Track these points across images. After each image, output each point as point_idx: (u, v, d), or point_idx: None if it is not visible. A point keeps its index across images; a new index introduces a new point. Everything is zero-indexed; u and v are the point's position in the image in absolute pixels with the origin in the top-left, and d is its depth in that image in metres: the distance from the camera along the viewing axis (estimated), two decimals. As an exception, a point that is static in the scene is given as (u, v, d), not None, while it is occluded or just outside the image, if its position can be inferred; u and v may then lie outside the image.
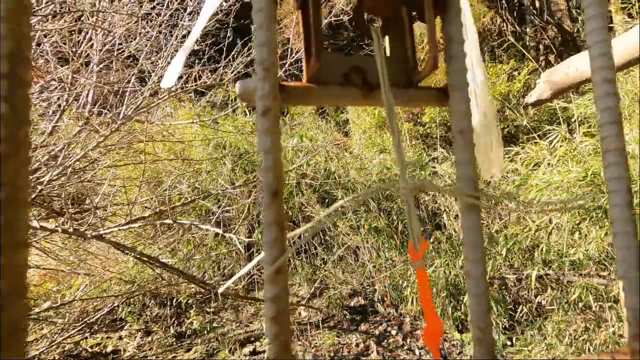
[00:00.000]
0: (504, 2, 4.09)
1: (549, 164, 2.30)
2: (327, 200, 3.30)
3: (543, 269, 2.12)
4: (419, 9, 0.19)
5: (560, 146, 2.28)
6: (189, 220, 2.16)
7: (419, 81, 0.21)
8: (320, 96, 0.19)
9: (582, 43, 3.73)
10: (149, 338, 2.69)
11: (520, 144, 2.85)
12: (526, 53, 3.51)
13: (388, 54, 0.21)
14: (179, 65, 0.33)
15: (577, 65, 1.22)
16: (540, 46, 3.96)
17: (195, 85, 2.42)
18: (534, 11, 4.27)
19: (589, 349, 1.72)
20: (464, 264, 0.19)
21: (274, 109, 0.17)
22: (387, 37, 0.21)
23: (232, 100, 3.25)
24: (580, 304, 1.89)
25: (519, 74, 3.63)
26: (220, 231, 1.41)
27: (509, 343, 2.02)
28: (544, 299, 2.06)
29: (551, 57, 3.90)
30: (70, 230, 1.34)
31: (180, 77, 2.44)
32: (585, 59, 1.24)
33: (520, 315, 2.13)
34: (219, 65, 2.62)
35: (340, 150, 3.79)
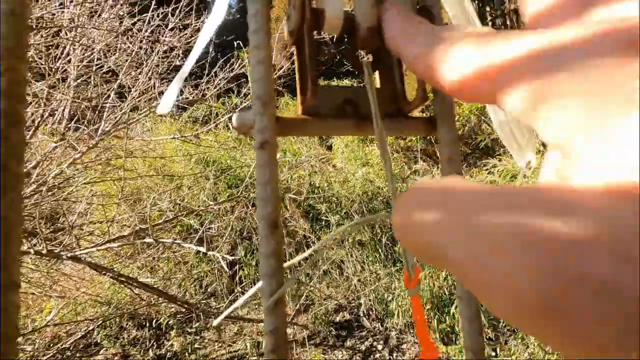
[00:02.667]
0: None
1: (524, 175, 2.38)
2: (311, 215, 3.29)
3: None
4: None
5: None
6: (170, 238, 2.11)
7: (409, 111, 0.22)
8: (315, 128, 0.20)
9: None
10: (127, 362, 2.57)
11: (497, 157, 2.95)
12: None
13: (378, 85, 0.22)
14: (175, 92, 0.33)
15: None
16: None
17: (178, 100, 2.40)
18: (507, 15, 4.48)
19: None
20: (457, 287, 0.20)
21: (272, 141, 0.17)
22: (377, 71, 0.22)
23: (214, 116, 3.25)
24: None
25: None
26: (203, 249, 1.38)
27: (493, 354, 2.04)
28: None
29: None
30: (44, 252, 1.28)
31: (162, 92, 2.41)
32: None
33: (504, 325, 2.16)
34: (201, 80, 2.62)
35: (323, 164, 3.81)
